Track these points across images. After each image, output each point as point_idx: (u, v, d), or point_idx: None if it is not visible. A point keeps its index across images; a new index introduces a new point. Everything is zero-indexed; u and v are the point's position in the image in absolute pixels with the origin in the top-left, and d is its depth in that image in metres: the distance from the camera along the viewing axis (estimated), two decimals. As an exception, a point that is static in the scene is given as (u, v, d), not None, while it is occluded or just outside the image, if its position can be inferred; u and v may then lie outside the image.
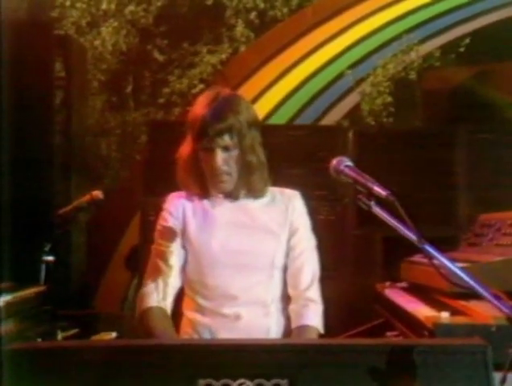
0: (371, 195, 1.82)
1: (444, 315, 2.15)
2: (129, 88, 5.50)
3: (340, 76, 5.32)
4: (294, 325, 2.08)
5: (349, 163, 1.90)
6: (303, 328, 2.05)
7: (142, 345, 1.59)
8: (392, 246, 4.14)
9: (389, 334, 2.66)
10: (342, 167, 1.90)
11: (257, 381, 1.48)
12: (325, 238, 4.01)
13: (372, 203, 1.81)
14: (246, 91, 5.44)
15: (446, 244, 3.12)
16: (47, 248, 2.91)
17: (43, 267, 2.91)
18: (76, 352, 1.50)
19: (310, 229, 2.20)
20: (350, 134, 4.22)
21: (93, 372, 1.47)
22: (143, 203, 3.91)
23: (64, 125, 4.33)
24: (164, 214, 2.16)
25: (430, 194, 4.02)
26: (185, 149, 2.10)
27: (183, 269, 2.13)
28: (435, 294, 2.50)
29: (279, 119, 5.36)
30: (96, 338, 2.84)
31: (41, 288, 2.84)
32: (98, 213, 5.30)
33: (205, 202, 2.14)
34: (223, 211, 2.12)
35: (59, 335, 2.67)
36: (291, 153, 4.12)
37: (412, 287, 2.89)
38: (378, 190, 1.79)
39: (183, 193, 2.17)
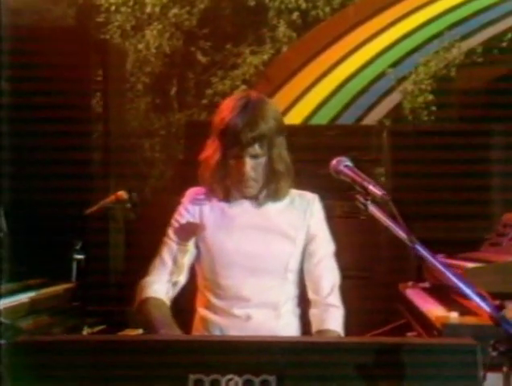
0: (368, 194, 1.84)
1: (453, 315, 2.15)
2: (173, 90, 5.62)
3: (381, 75, 5.30)
4: (315, 329, 2.09)
5: (348, 163, 1.93)
6: (324, 332, 2.05)
7: (134, 340, 1.65)
8: (427, 246, 4.10)
9: (409, 334, 2.66)
10: (341, 167, 1.93)
11: (245, 377, 1.52)
12: (360, 238, 4.04)
13: (368, 203, 1.83)
14: (288, 91, 5.48)
15: (480, 245, 3.10)
16: (78, 247, 3.02)
17: (75, 265, 3.02)
18: (68, 347, 1.57)
19: (329, 234, 2.20)
20: (385, 134, 4.20)
21: (85, 367, 1.53)
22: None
23: (103, 127, 4.47)
24: (180, 209, 2.18)
25: (464, 194, 3.96)
26: (213, 154, 2.09)
27: (191, 268, 2.17)
28: (453, 295, 2.49)
29: (321, 119, 5.37)
30: (122, 334, 2.92)
31: (70, 285, 2.95)
32: (144, 212, 5.44)
33: (224, 203, 2.15)
34: (241, 212, 2.14)
35: (85, 331, 2.77)
36: (326, 154, 4.13)
37: (433, 287, 2.87)
38: (374, 189, 1.82)
39: (202, 189, 2.18)
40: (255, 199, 2.15)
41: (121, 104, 4.95)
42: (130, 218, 5.36)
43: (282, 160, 2.11)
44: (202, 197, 2.17)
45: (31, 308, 2.66)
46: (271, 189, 2.13)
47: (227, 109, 2.06)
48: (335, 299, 2.13)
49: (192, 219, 2.15)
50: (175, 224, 2.17)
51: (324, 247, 2.17)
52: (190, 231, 2.14)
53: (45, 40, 4.01)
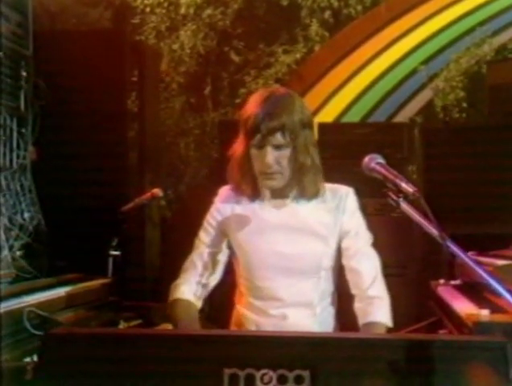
0: (400, 191, 1.81)
1: (484, 313, 2.10)
2: (207, 90, 5.63)
3: (413, 73, 5.25)
4: (361, 322, 2.04)
5: (381, 160, 1.89)
6: (370, 325, 2.01)
7: (169, 335, 1.65)
8: (460, 243, 4.03)
9: (441, 332, 2.61)
10: (373, 164, 1.89)
11: (279, 372, 1.49)
12: (393, 235, 3.99)
13: (400, 200, 1.80)
14: (321, 89, 5.45)
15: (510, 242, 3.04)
16: (114, 243, 3.04)
17: (111, 260, 3.04)
18: (101, 340, 1.57)
19: (364, 226, 2.14)
20: (416, 131, 4.15)
21: (118, 361, 1.52)
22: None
23: (139, 125, 4.50)
24: (212, 210, 2.14)
25: (497, 191, 3.89)
26: (238, 147, 2.05)
27: (225, 267, 2.14)
28: (485, 292, 2.44)
29: (354, 117, 5.34)
30: (158, 328, 2.93)
31: (106, 280, 2.97)
32: (179, 210, 5.47)
33: (255, 204, 2.11)
34: (272, 214, 2.09)
35: (121, 325, 2.78)
36: (358, 151, 4.09)
37: (465, 285, 2.82)
38: (405, 186, 1.78)
39: (234, 188, 2.12)
40: (284, 197, 2.09)
41: (156, 104, 4.97)
42: (164, 215, 5.43)
43: (308, 154, 2.04)
44: (234, 196, 2.13)
45: (68, 302, 2.67)
46: (300, 186, 2.07)
47: (252, 103, 2.02)
48: (377, 290, 2.06)
49: (223, 220, 2.11)
50: (207, 227, 2.14)
51: (359, 239, 2.10)
52: (222, 232, 2.11)
53: (82, 42, 4.04)
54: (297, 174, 2.04)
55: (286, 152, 2.01)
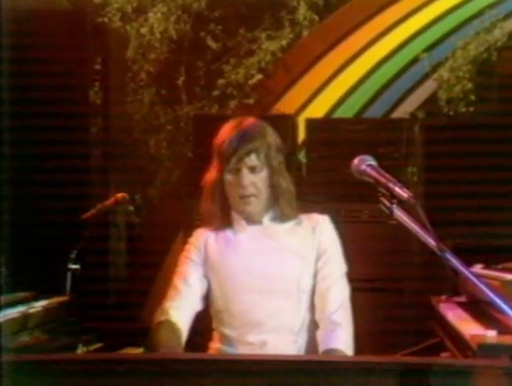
0: (393, 196, 1.85)
1: (490, 334, 2.14)
2: (180, 80, 5.63)
3: (414, 61, 5.28)
4: (321, 349, 2.19)
5: (372, 162, 1.96)
6: (330, 352, 2.15)
7: (134, 359, 1.68)
8: (461, 254, 4.07)
9: (443, 355, 2.65)
10: (364, 167, 1.96)
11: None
12: (391, 245, 4.02)
13: (393, 206, 1.85)
14: (309, 80, 5.48)
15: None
16: (73, 255, 3.05)
17: (69, 275, 3.04)
18: (60, 368, 1.60)
19: (341, 255, 2.35)
20: (417, 128, 4.19)
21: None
22: (188, 205, 3.99)
23: (102, 120, 4.49)
24: (188, 246, 2.40)
25: (504, 191, 3.94)
26: (210, 175, 2.33)
27: (205, 298, 2.33)
28: (491, 310, 2.47)
29: (347, 111, 5.37)
30: (121, 353, 2.95)
31: (64, 298, 2.98)
32: (149, 217, 5.47)
33: (228, 231, 2.35)
34: (246, 236, 2.32)
35: (80, 349, 2.79)
36: (350, 151, 4.13)
37: (471, 302, 2.86)
38: (400, 191, 1.84)
39: (210, 228, 2.39)
40: (258, 221, 2.32)
41: (122, 96, 4.97)
42: (132, 222, 5.42)
43: (283, 176, 2.33)
44: (207, 231, 2.39)
45: (21, 324, 2.70)
46: (276, 211, 2.32)
47: (224, 130, 2.32)
48: (341, 317, 2.24)
49: (198, 253, 2.36)
50: (184, 260, 2.38)
51: (334, 264, 2.31)
52: (198, 264, 2.34)
53: (37, 25, 4.03)
54: (273, 197, 2.31)
55: (262, 174, 2.29)
